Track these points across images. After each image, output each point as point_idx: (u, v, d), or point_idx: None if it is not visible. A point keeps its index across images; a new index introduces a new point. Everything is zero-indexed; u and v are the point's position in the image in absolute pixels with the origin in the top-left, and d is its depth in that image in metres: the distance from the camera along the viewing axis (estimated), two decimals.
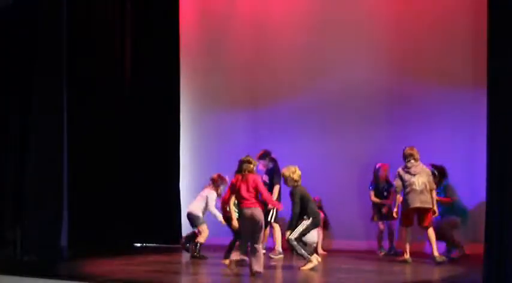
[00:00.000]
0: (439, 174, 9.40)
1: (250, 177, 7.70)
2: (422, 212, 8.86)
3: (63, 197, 9.44)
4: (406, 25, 10.65)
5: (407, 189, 8.90)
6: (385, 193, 9.98)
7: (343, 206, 10.49)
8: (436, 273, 8.29)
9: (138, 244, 11.28)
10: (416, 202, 8.83)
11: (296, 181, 8.30)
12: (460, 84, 10.20)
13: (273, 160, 9.79)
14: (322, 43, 11.08)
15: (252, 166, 7.80)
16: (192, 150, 11.92)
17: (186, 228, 11.47)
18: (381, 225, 9.99)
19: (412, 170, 8.95)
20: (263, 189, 7.80)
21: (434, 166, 9.41)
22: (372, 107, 10.70)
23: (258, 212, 7.64)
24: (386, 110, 10.67)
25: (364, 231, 10.45)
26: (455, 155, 9.66)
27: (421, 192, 8.84)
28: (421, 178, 8.90)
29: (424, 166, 9.04)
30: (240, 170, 7.80)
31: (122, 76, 11.46)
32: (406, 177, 8.94)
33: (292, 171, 8.32)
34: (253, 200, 7.65)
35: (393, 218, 9.64)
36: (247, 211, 7.63)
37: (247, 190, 7.64)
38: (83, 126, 10.70)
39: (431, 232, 8.85)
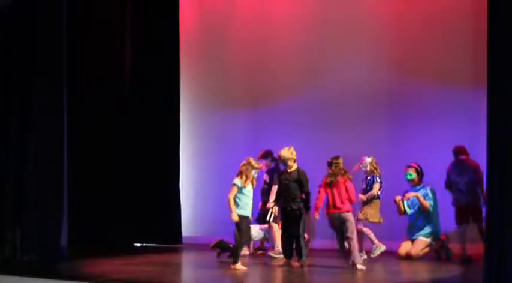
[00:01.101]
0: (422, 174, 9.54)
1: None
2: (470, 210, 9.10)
3: (63, 197, 9.44)
4: (406, 25, 10.64)
5: (454, 188, 9.18)
6: (366, 187, 9.59)
7: None
8: (436, 273, 8.29)
9: (138, 244, 11.28)
10: (459, 202, 9.13)
11: (295, 161, 8.48)
12: (460, 84, 10.19)
13: (275, 160, 9.79)
14: (322, 43, 11.07)
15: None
16: (192, 150, 11.91)
17: (186, 228, 11.48)
18: (358, 226, 9.23)
19: (458, 169, 9.20)
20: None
21: (419, 166, 9.52)
22: (372, 107, 10.69)
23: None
24: (387, 110, 10.67)
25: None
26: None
27: (465, 191, 9.08)
28: (465, 177, 9.11)
29: (473, 162, 9.18)
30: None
31: (121, 76, 11.46)
32: (452, 176, 9.21)
33: (291, 152, 8.51)
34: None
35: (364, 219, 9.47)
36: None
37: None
38: (83, 126, 10.71)
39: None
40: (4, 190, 9.29)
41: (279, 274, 8.21)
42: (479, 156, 8.61)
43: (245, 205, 8.34)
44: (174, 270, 8.83)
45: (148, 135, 11.42)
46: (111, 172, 10.99)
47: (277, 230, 9.63)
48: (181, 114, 11.76)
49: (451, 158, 9.61)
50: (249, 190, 8.40)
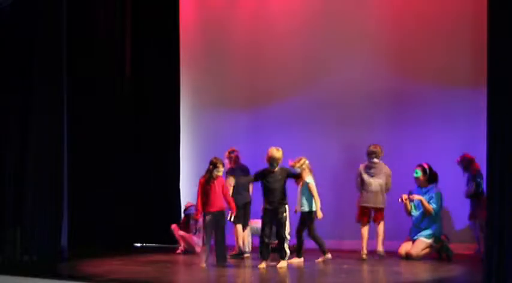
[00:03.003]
0: (430, 176, 9.46)
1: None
2: (376, 211, 9.42)
3: (63, 197, 9.45)
4: (406, 25, 10.63)
5: (364, 188, 9.40)
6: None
7: (343, 206, 10.47)
8: (436, 273, 8.29)
9: (138, 244, 11.28)
10: (369, 202, 9.39)
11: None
12: (460, 84, 10.18)
13: (233, 158, 9.89)
14: (322, 43, 11.07)
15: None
16: (192, 149, 11.91)
17: None
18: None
19: (372, 171, 9.42)
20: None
21: (429, 166, 9.47)
22: (372, 106, 10.69)
23: None
24: (387, 110, 10.66)
25: None
26: (455, 155, 9.64)
27: (376, 193, 9.34)
28: (378, 179, 9.37)
29: (386, 167, 9.47)
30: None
31: (121, 76, 11.46)
32: (365, 176, 9.40)
33: (281, 152, 8.68)
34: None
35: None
36: None
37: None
38: (83, 126, 10.72)
39: (381, 227, 9.35)
40: (4, 190, 9.29)
41: (277, 274, 8.19)
42: (479, 156, 8.61)
43: None
44: (173, 270, 8.83)
45: (149, 135, 11.43)
46: (111, 172, 11.00)
47: (238, 230, 9.66)
48: (181, 114, 11.76)
49: (450, 158, 9.61)
50: None
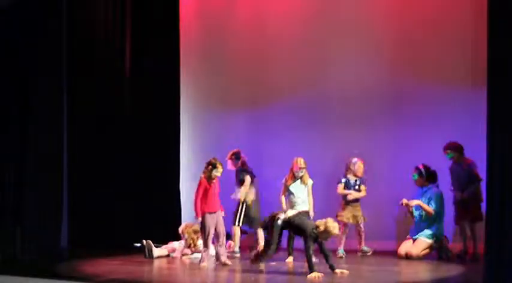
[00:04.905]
0: (428, 176, 9.46)
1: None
2: None
3: (63, 197, 9.46)
4: (406, 25, 10.63)
5: None
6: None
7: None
8: (436, 273, 8.30)
9: (138, 244, 11.27)
10: None
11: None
12: (460, 84, 10.19)
13: (239, 159, 10.04)
14: (322, 43, 11.06)
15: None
16: (192, 150, 11.91)
17: None
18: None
19: None
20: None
21: (425, 167, 9.48)
22: (372, 107, 10.68)
23: None
24: (387, 109, 10.66)
25: (365, 231, 10.43)
26: None
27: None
28: None
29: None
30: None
31: (121, 76, 11.45)
32: None
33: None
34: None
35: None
36: None
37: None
38: (83, 125, 10.71)
39: None
40: (4, 190, 9.31)
41: (279, 276, 8.20)
42: (479, 155, 8.61)
43: None
44: (173, 270, 8.83)
45: (149, 135, 11.40)
46: (111, 172, 10.98)
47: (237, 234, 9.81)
48: (181, 114, 11.75)
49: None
50: None
